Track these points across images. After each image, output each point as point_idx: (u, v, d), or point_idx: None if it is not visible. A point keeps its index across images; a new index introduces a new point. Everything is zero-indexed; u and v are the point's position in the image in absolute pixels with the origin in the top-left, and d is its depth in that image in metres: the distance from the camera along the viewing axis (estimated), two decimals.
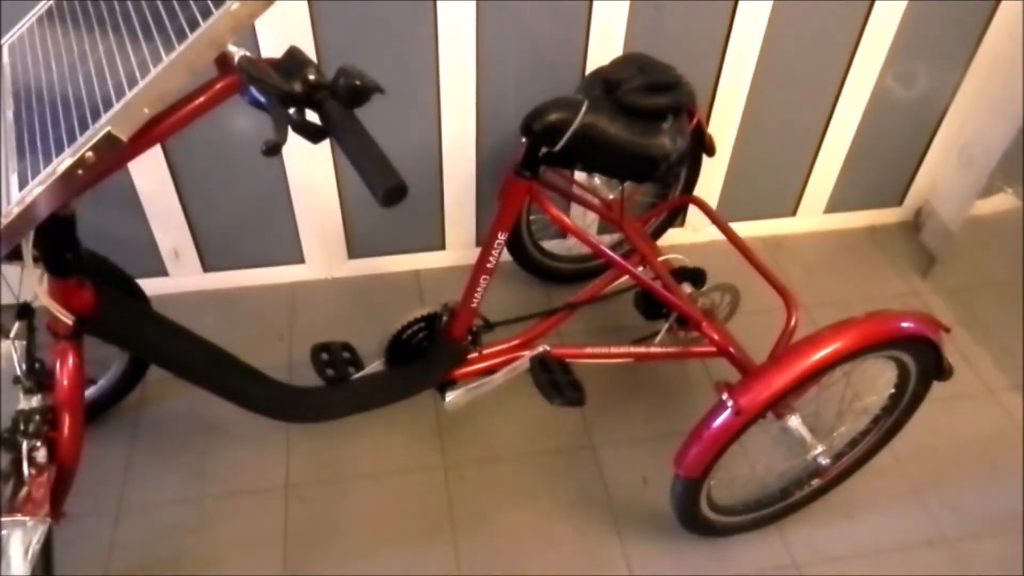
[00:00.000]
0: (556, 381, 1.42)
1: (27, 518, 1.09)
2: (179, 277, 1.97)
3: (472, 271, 1.41)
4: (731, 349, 1.51)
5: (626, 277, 1.59)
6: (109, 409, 1.71)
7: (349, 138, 0.82)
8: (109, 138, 0.77)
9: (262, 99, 0.84)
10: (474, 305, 1.43)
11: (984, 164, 1.98)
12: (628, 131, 1.23)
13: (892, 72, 1.94)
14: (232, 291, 2.01)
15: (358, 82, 0.85)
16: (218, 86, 0.87)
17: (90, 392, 1.66)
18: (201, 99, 0.87)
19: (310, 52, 1.62)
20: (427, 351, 1.49)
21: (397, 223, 1.99)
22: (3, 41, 1.03)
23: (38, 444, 1.17)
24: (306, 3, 1.55)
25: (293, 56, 0.88)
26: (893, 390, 1.51)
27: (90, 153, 0.77)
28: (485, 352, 1.52)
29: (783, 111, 1.97)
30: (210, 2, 0.78)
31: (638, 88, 1.25)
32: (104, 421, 1.72)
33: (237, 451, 1.68)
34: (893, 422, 1.55)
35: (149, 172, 1.75)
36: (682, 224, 2.15)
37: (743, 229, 2.20)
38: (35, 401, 1.17)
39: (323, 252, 2.00)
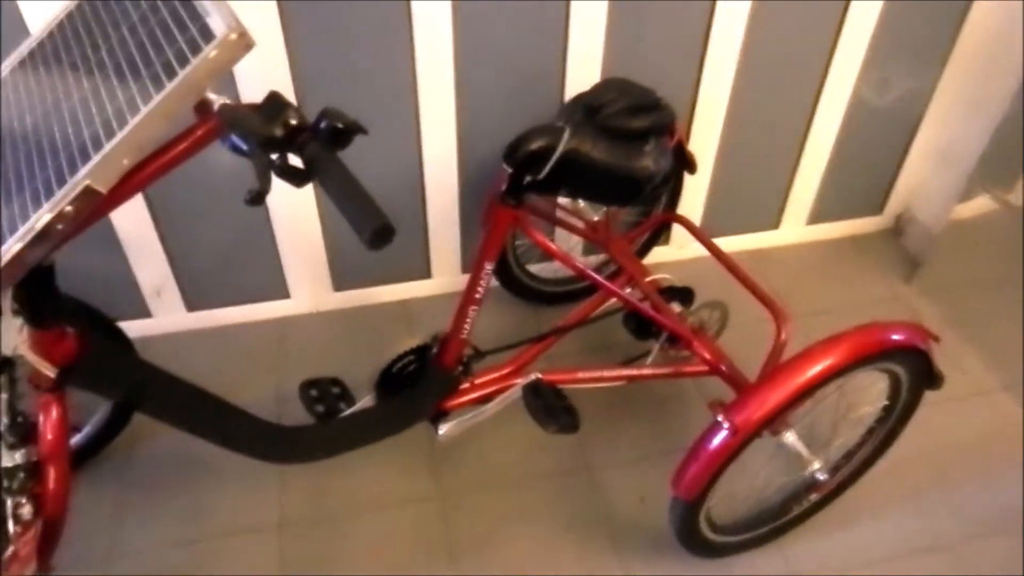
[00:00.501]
0: (550, 407, 1.41)
1: None
2: (163, 317, 1.94)
3: (460, 301, 1.40)
4: (723, 367, 1.51)
5: (614, 299, 1.59)
6: (95, 456, 1.68)
7: (333, 181, 0.81)
8: (88, 191, 0.76)
9: (243, 145, 0.83)
10: (464, 336, 1.42)
11: (963, 167, 2.00)
12: (612, 155, 1.23)
13: (868, 79, 1.96)
14: (218, 329, 1.98)
15: (340, 124, 0.84)
16: (198, 133, 0.86)
17: (75, 440, 1.63)
18: (181, 147, 0.86)
19: (288, 85, 1.61)
20: (418, 383, 1.48)
21: (382, 253, 1.97)
22: None
23: (23, 501, 1.14)
24: (281, 35, 1.54)
25: (274, 100, 0.87)
26: (886, 401, 1.51)
27: (69, 207, 0.76)
28: (477, 381, 1.50)
29: (762, 125, 1.98)
30: (186, 48, 0.77)
31: (620, 111, 1.25)
32: (91, 467, 1.68)
33: (229, 490, 1.65)
34: (888, 432, 1.55)
35: (127, 210, 1.73)
36: (667, 242, 2.15)
37: (727, 244, 2.21)
38: (18, 456, 1.14)
39: (308, 285, 1.98)
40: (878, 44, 1.88)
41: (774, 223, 2.22)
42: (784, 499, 1.57)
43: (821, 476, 1.44)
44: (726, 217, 2.16)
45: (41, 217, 0.76)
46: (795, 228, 2.24)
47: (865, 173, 2.17)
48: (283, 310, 2.01)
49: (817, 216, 2.23)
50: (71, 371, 1.07)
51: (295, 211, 1.82)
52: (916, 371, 1.41)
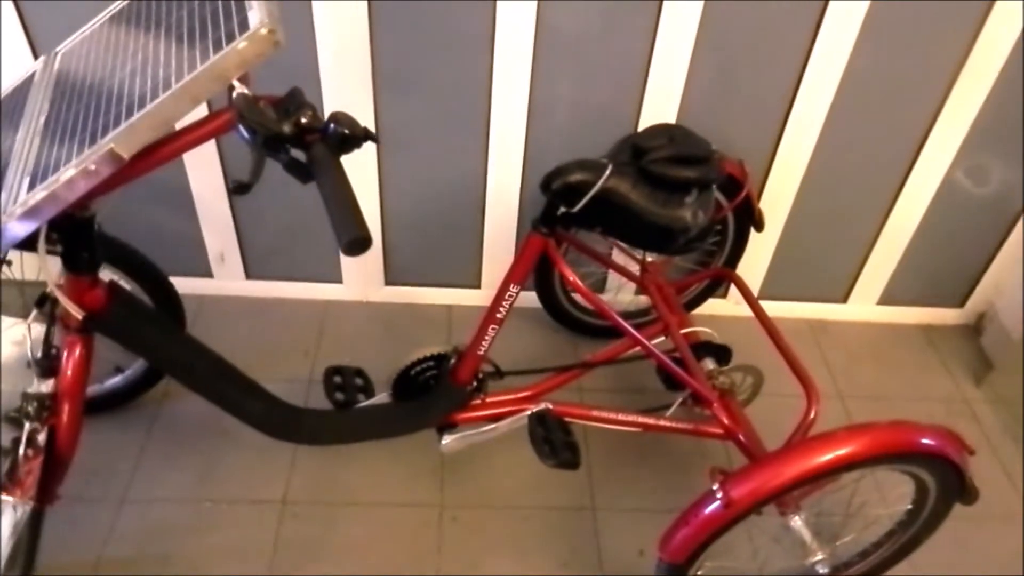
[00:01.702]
0: (552, 440, 1.39)
1: (12, 499, 1.13)
2: (222, 280, 2.03)
3: (482, 319, 1.41)
4: (741, 434, 1.45)
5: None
6: (131, 400, 1.77)
7: (328, 182, 0.83)
8: (111, 154, 0.81)
9: (247, 136, 0.86)
10: (481, 352, 1.43)
11: None
12: (649, 200, 1.21)
13: (965, 164, 1.85)
14: (269, 301, 2.06)
15: (347, 131, 0.87)
16: (218, 120, 0.90)
17: (114, 381, 1.73)
18: (202, 130, 0.90)
19: (367, 83, 1.66)
20: (431, 391, 1.49)
21: (436, 256, 2.01)
22: (58, 49, 1.10)
23: (39, 427, 1.22)
24: (367, 34, 1.59)
25: (294, 97, 0.91)
26: (911, 505, 1.42)
27: (93, 166, 0.81)
28: (489, 400, 1.51)
29: (842, 193, 1.90)
30: (224, 37, 0.81)
31: (665, 158, 1.23)
32: (125, 411, 1.78)
33: (243, 459, 1.71)
34: (909, 538, 1.46)
35: (204, 176, 1.83)
36: (724, 295, 2.10)
37: (788, 309, 2.13)
38: (44, 387, 1.22)
39: (361, 275, 2.03)
40: (981, 128, 1.78)
41: (842, 296, 2.13)
42: None
43: (822, 570, 1.37)
44: (790, 281, 2.08)
45: (67, 171, 0.81)
46: (864, 306, 2.14)
47: (949, 262, 2.05)
48: (333, 294, 2.07)
49: (890, 297, 2.12)
50: (97, 317, 1.14)
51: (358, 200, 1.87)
52: (945, 481, 1.32)
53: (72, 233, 1.05)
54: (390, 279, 2.06)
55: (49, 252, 1.07)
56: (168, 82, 0.83)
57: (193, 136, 0.91)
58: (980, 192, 1.91)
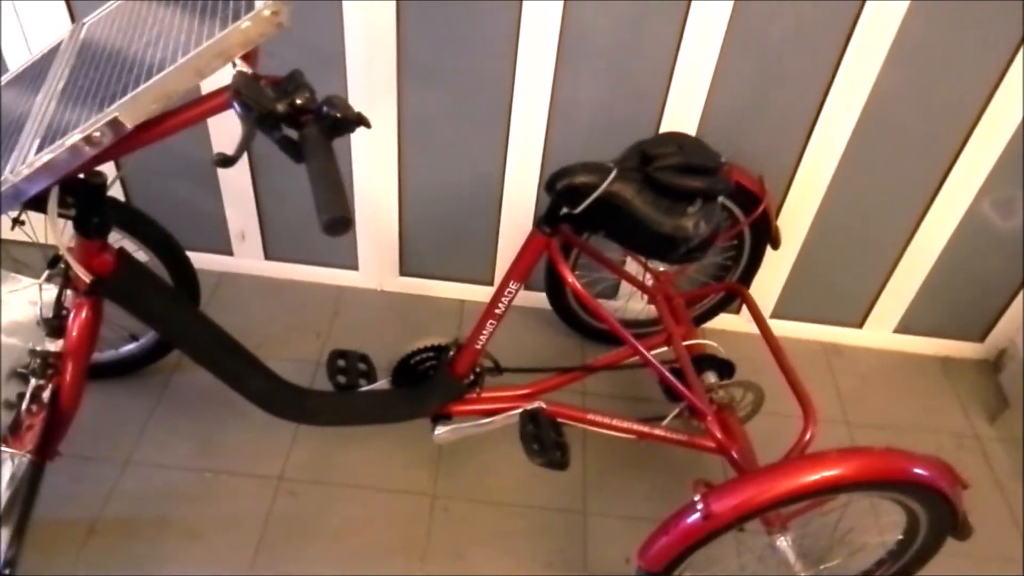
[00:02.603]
0: (542, 439, 1.40)
1: (11, 450, 1.17)
2: (242, 259, 2.08)
3: (481, 313, 1.42)
4: (733, 451, 1.44)
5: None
6: (144, 367, 1.82)
7: (316, 162, 0.85)
8: (115, 123, 0.84)
9: (241, 112, 0.89)
10: (478, 346, 1.44)
11: None
12: (651, 207, 1.21)
13: (992, 196, 1.82)
14: (285, 282, 2.10)
15: (339, 114, 0.89)
16: (219, 98, 0.93)
17: (129, 348, 1.78)
18: (205, 106, 0.93)
19: (391, 75, 1.69)
20: (429, 381, 1.51)
21: (451, 250, 2.03)
22: (86, 20, 1.14)
23: (43, 384, 1.26)
24: (394, 24, 1.61)
25: (293, 79, 0.93)
26: (901, 536, 1.40)
27: (97, 133, 0.84)
28: (484, 395, 1.52)
29: (863, 215, 1.88)
30: (231, 14, 0.84)
31: (671, 167, 1.23)
32: (137, 378, 1.82)
33: (247, 433, 1.75)
34: (899, 569, 1.44)
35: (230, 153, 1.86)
36: (738, 311, 2.08)
37: (802, 330, 2.11)
38: (52, 346, 1.27)
39: (377, 263, 2.06)
40: (1010, 159, 1.74)
41: (858, 322, 2.10)
42: None
43: None
44: (806, 302, 2.06)
45: (73, 136, 0.84)
46: (880, 332, 2.11)
47: (971, 295, 2.01)
48: (348, 280, 2.10)
49: (907, 326, 2.09)
50: (104, 282, 1.18)
51: (377, 191, 1.90)
52: (936, 514, 1.30)
53: (83, 197, 1.09)
54: (405, 270, 2.08)
55: (62, 215, 1.11)
56: (175, 56, 0.85)
57: (195, 112, 0.94)
58: (1006, 225, 1.87)
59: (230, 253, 2.07)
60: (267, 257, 2.08)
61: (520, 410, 1.44)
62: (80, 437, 1.69)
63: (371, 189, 1.91)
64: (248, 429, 1.75)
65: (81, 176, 1.07)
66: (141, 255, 1.59)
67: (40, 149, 0.88)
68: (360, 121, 0.92)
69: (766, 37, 1.60)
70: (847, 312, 2.09)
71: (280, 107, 0.88)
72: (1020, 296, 2.00)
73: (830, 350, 2.12)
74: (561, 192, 1.22)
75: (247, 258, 2.08)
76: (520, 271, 1.34)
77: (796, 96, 1.69)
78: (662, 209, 1.21)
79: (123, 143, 0.88)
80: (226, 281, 2.09)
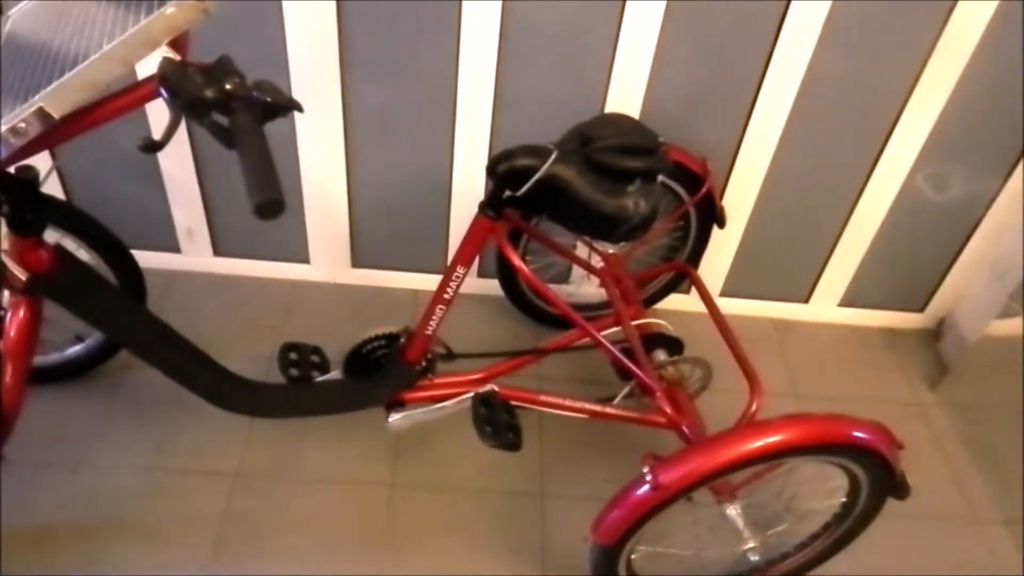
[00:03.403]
0: (494, 420, 1.42)
1: None
2: (190, 256, 2.06)
3: (430, 299, 1.43)
4: (684, 425, 1.48)
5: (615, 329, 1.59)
6: (92, 369, 1.79)
7: (247, 147, 0.85)
8: (40, 112, 0.83)
9: (168, 98, 0.89)
10: (429, 332, 1.45)
11: (1013, 282, 1.89)
12: (592, 188, 1.23)
13: (926, 170, 1.88)
14: (236, 278, 2.08)
15: (269, 99, 0.89)
16: (147, 86, 0.92)
17: (75, 349, 1.75)
18: (129, 96, 0.92)
19: (335, 71, 1.68)
20: (380, 370, 1.51)
21: (403, 241, 2.03)
22: (11, 12, 1.12)
23: None
24: (336, 24, 1.61)
25: (221, 64, 0.93)
26: (844, 499, 1.44)
27: (22, 124, 0.83)
28: (437, 381, 1.53)
29: (803, 192, 1.93)
30: (157, 2, 0.83)
31: (610, 147, 1.25)
32: (87, 379, 1.80)
33: (200, 432, 1.73)
34: (844, 531, 1.48)
35: (173, 150, 1.84)
36: (688, 291, 2.12)
37: (752, 308, 2.16)
38: None
39: (328, 256, 2.05)
40: (942, 135, 1.80)
41: (804, 297, 2.15)
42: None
43: (753, 557, 1.39)
44: (753, 280, 2.11)
45: None
46: (825, 307, 2.16)
47: (910, 267, 2.08)
48: (301, 274, 2.09)
49: (851, 300, 2.15)
50: (41, 280, 1.16)
51: (325, 184, 1.90)
52: (876, 475, 1.34)
53: (15, 193, 1.07)
54: (357, 262, 2.08)
55: None
56: (100, 44, 0.85)
57: (123, 101, 0.93)
58: (940, 199, 1.93)
59: (178, 251, 2.05)
60: (216, 253, 2.06)
61: (472, 394, 1.45)
62: (31, 443, 1.67)
63: (319, 182, 1.90)
64: (202, 427, 1.74)
65: (11, 171, 1.05)
66: (83, 254, 1.58)
67: None
68: (292, 105, 0.92)
69: (703, 22, 1.63)
70: (794, 288, 2.14)
71: (209, 93, 0.88)
72: (956, 266, 2.06)
73: (780, 326, 2.17)
74: (502, 175, 1.23)
75: (196, 255, 2.06)
76: (466, 256, 1.35)
77: (734, 79, 1.73)
78: (602, 190, 1.23)
79: (52, 134, 0.87)
80: (177, 279, 2.07)
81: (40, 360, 1.72)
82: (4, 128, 0.83)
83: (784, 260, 2.07)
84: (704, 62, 1.69)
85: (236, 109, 0.89)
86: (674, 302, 2.09)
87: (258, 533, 1.58)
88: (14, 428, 1.31)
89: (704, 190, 1.77)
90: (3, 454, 1.33)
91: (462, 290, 2.08)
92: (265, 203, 0.83)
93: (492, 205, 1.30)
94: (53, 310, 1.27)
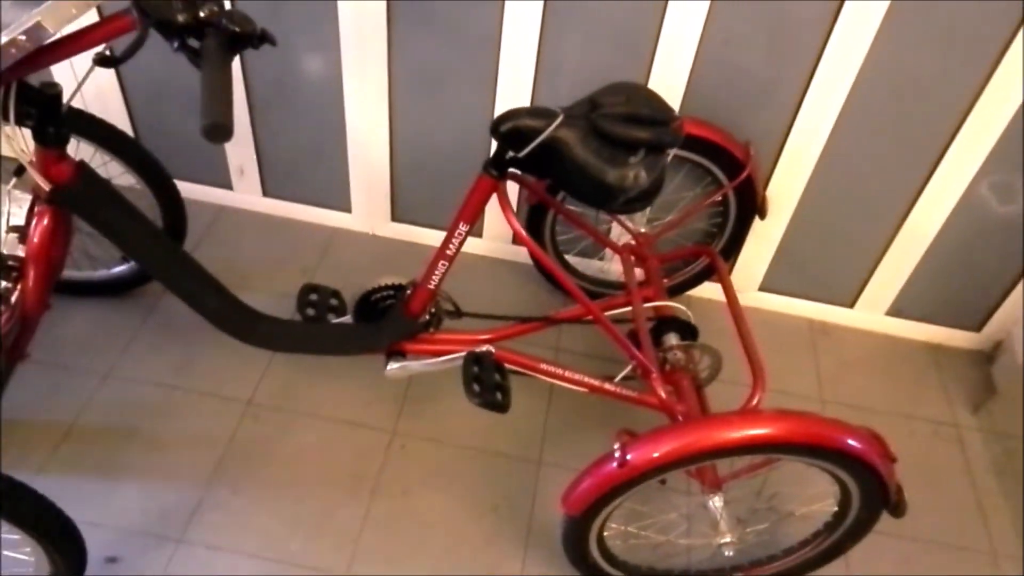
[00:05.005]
0: (483, 380, 1.42)
1: None
2: (240, 194, 2.14)
3: (434, 254, 1.45)
4: (677, 410, 1.45)
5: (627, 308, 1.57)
6: (134, 287, 1.90)
7: (208, 72, 0.88)
8: (38, 26, 0.88)
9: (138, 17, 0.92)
10: (431, 287, 1.46)
11: None
12: (593, 155, 1.21)
13: (990, 179, 1.75)
14: (281, 220, 2.16)
15: (237, 28, 0.91)
16: (124, 19, 0.97)
17: (120, 268, 1.86)
18: (118, 23, 0.97)
19: (382, 26, 1.70)
20: (383, 319, 1.54)
21: (441, 199, 2.05)
22: None
23: (11, 287, 1.34)
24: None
25: None
26: (835, 508, 1.39)
27: (22, 36, 0.89)
28: (438, 336, 1.55)
29: (854, 191, 1.83)
30: None
31: (615, 115, 1.22)
32: (130, 296, 1.91)
33: (221, 359, 1.81)
34: (834, 542, 1.43)
35: None
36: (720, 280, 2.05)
37: (790, 305, 2.08)
38: (20, 251, 1.34)
39: (369, 207, 2.10)
40: (1011, 140, 1.67)
41: (848, 301, 2.06)
42: (698, 569, 1.49)
43: (727, 552, 1.36)
44: (795, 277, 2.03)
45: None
46: (871, 314, 2.06)
47: (968, 281, 1.95)
48: (341, 222, 2.14)
49: (899, 310, 2.04)
50: (62, 191, 1.24)
51: (368, 135, 1.93)
52: (866, 488, 1.28)
53: (41, 107, 1.14)
54: (396, 216, 2.12)
55: (23, 124, 1.17)
56: None
57: (108, 28, 0.97)
58: (1006, 210, 1.80)
59: (230, 187, 2.14)
60: (265, 194, 2.14)
61: (466, 352, 1.46)
62: (66, 348, 1.79)
63: (363, 133, 1.94)
64: (224, 355, 1.82)
65: (37, 85, 1.13)
66: (129, 179, 1.68)
67: None
68: (264, 38, 0.95)
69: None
70: (839, 291, 2.04)
71: (180, 18, 0.91)
72: (1020, 286, 1.92)
73: (817, 328, 2.08)
74: (505, 135, 1.23)
75: (245, 193, 2.14)
76: (468, 214, 1.36)
77: (785, 64, 1.65)
78: (603, 157, 1.21)
79: (44, 54, 0.92)
80: (224, 214, 2.16)
81: (88, 275, 1.85)
82: (4, 40, 0.89)
83: (829, 260, 1.98)
84: (754, 42, 1.63)
85: (207, 35, 0.92)
86: (708, 291, 2.04)
87: (258, 459, 1.66)
88: (35, 330, 1.40)
89: (744, 175, 1.71)
90: (27, 353, 1.43)
91: (495, 254, 2.12)
92: (212, 125, 0.86)
93: (495, 164, 1.29)
94: None
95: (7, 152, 1.16)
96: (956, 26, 1.53)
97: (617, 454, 1.21)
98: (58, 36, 0.92)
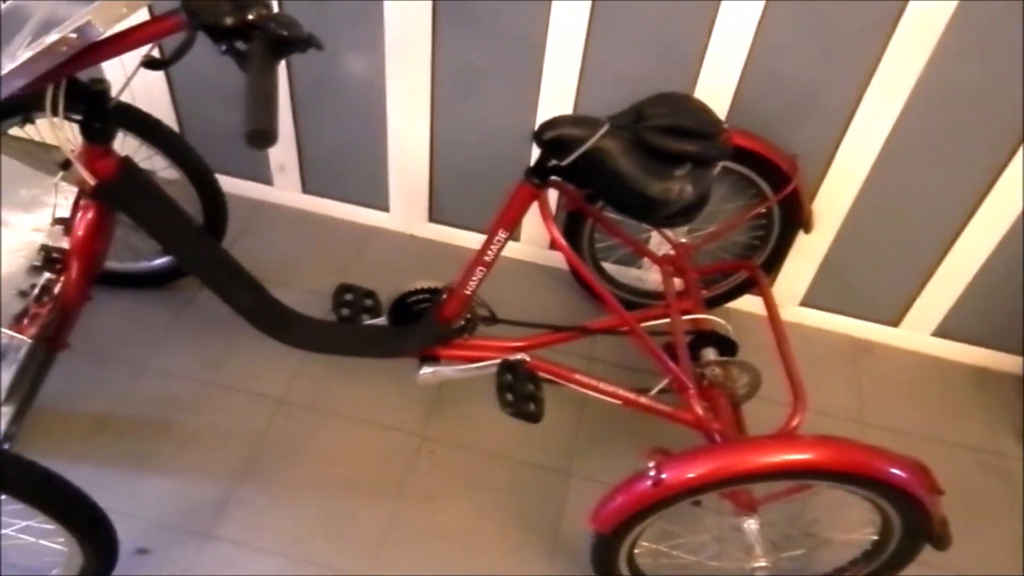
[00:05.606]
0: (517, 389, 1.41)
1: (12, 334, 1.27)
2: (280, 190, 2.15)
3: (471, 259, 1.43)
4: (713, 427, 1.41)
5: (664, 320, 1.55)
6: (173, 281, 1.91)
7: (253, 76, 0.87)
8: (89, 25, 0.88)
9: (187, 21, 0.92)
10: (467, 292, 1.45)
11: None
12: (636, 167, 1.18)
13: None
14: (319, 216, 2.16)
15: (285, 32, 0.91)
16: (172, 19, 0.96)
17: (160, 261, 1.87)
18: (166, 23, 0.96)
19: (427, 18, 1.69)
20: (418, 322, 1.53)
21: (479, 202, 2.04)
22: None
23: (54, 278, 1.35)
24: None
25: None
26: (876, 537, 1.35)
27: (73, 34, 0.89)
28: (472, 341, 1.53)
29: (904, 208, 1.78)
30: None
31: (659, 127, 1.20)
32: (166, 289, 1.93)
33: (255, 356, 1.82)
34: (871, 572, 1.39)
35: None
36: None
37: (832, 322, 2.04)
38: (65, 243, 1.35)
39: (407, 207, 2.09)
40: None
41: (893, 320, 2.00)
42: None
43: None
44: (838, 293, 1.98)
45: (51, 37, 0.89)
46: (917, 335, 2.00)
47: (1018, 305, 1.88)
48: (379, 221, 2.14)
49: (947, 331, 1.98)
50: (106, 186, 1.25)
51: (409, 135, 1.93)
52: (908, 517, 1.24)
53: (88, 103, 1.15)
54: (434, 217, 2.11)
55: (70, 119, 1.18)
56: None
57: (157, 27, 0.97)
58: None
59: (270, 183, 2.15)
60: (304, 191, 2.14)
61: (500, 360, 1.45)
62: (104, 339, 1.81)
63: (404, 134, 1.93)
64: (257, 352, 1.82)
65: (85, 82, 1.13)
66: (173, 173, 1.69)
67: (29, 46, 0.93)
68: (310, 42, 0.94)
69: (807, 11, 1.52)
70: (883, 309, 1.99)
71: (227, 21, 0.90)
72: None
73: (860, 346, 2.03)
74: (548, 143, 1.21)
75: (285, 189, 2.15)
76: (507, 220, 1.34)
77: (836, 77, 1.61)
78: (647, 169, 1.18)
79: (92, 52, 0.92)
80: (264, 209, 2.17)
81: (128, 266, 1.87)
82: (56, 38, 0.89)
83: (875, 277, 1.93)
84: (805, 52, 1.59)
85: (254, 38, 0.92)
86: (748, 303, 2.00)
87: (287, 457, 1.66)
88: (76, 321, 1.42)
89: (790, 188, 1.67)
90: (68, 343, 1.45)
91: (532, 259, 2.10)
92: (256, 132, 0.85)
93: (537, 172, 1.27)
94: None
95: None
96: (1012, 46, 1.47)
97: (652, 473, 1.19)
98: (108, 34, 0.92)
